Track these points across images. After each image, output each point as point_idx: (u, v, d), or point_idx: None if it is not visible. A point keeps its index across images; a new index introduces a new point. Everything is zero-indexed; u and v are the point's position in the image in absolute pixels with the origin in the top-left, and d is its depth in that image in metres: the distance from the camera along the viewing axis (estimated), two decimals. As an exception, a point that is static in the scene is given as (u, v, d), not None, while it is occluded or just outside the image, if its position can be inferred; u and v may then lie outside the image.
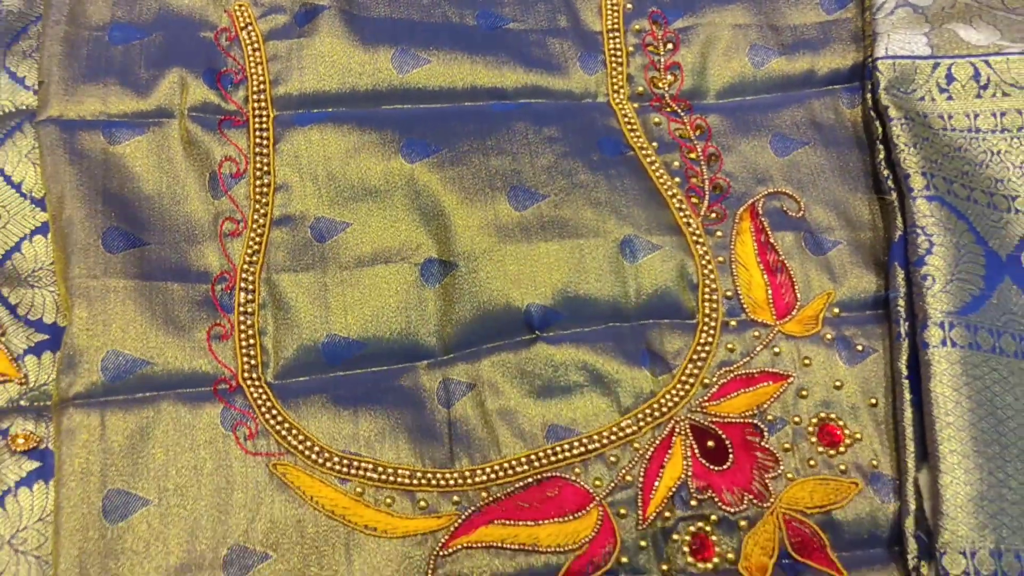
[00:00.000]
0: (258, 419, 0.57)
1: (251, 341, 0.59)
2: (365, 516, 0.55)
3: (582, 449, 0.57)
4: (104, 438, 0.55)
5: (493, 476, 0.56)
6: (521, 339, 0.60)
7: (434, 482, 0.56)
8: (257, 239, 0.61)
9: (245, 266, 0.61)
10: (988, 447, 0.55)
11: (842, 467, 0.58)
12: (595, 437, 0.57)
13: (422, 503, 0.55)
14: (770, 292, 0.62)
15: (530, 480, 0.56)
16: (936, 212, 0.60)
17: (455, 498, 0.56)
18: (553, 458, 0.57)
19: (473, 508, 0.55)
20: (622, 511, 0.56)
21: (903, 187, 0.62)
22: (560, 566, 0.54)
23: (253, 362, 0.58)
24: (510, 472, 0.56)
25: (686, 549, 0.55)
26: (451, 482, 0.56)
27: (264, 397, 0.57)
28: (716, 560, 0.55)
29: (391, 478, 0.56)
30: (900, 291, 0.60)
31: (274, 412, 0.57)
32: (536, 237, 0.62)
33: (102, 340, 0.57)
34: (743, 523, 0.56)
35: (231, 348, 0.59)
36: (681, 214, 0.63)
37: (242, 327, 0.59)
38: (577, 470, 0.57)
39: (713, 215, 0.64)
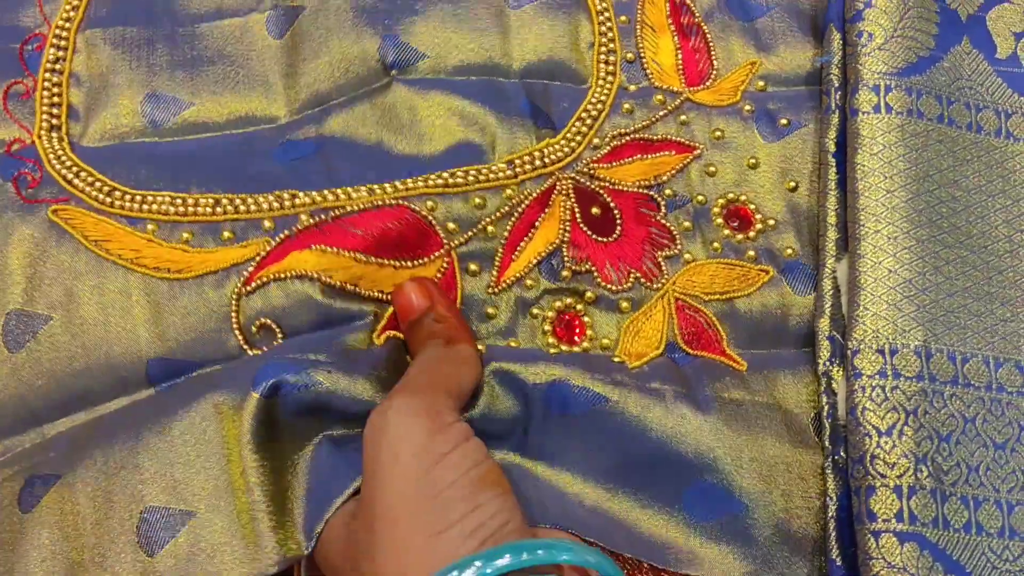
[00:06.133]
0: (44, 166, 0.47)
1: (55, 100, 0.49)
2: (156, 257, 0.45)
3: (440, 182, 0.47)
4: None
5: (320, 199, 0.46)
6: (376, 86, 0.50)
7: (243, 208, 0.46)
8: (78, -7, 0.52)
9: (61, 23, 0.51)
10: (921, 228, 0.45)
11: (751, 253, 0.48)
12: (459, 173, 0.47)
13: (226, 234, 0.45)
14: (680, 56, 0.51)
15: (367, 206, 0.46)
16: (883, -42, 0.49)
17: (267, 224, 0.45)
18: (402, 187, 0.46)
19: (288, 232, 0.45)
20: (473, 267, 0.46)
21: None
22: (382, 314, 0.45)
23: (55, 122, 0.49)
24: (343, 197, 0.46)
25: (548, 328, 0.46)
26: (264, 206, 0.46)
27: (59, 149, 0.48)
28: (587, 344, 0.46)
29: (190, 210, 0.46)
30: (834, 56, 0.50)
31: (63, 158, 0.47)
32: None
33: None
34: (625, 305, 0.47)
35: (31, 108, 0.49)
36: (576, -34, 0.53)
37: (46, 84, 0.50)
38: (430, 204, 0.46)
39: (618, -30, 0.53)
